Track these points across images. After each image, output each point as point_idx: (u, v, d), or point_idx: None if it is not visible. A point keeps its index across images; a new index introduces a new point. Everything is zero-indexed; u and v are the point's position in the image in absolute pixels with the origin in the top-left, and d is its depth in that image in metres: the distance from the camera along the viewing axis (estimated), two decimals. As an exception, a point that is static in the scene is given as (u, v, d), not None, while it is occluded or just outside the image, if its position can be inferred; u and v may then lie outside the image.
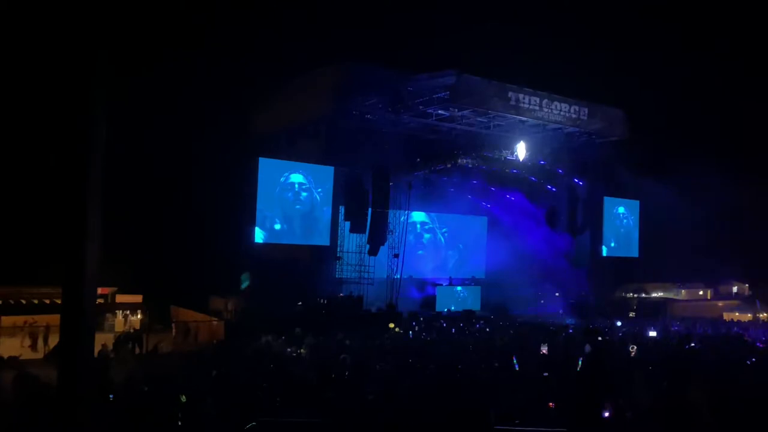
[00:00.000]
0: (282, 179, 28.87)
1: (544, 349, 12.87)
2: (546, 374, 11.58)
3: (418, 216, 36.63)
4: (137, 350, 21.46)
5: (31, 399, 8.50)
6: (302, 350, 17.86)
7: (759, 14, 36.17)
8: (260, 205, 28.09)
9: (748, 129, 40.44)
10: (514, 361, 12.51)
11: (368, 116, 29.09)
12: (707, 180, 34.18)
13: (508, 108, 28.16)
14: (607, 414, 6.89)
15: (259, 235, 28.08)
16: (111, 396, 8.71)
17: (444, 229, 38.49)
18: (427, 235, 37.58)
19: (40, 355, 20.91)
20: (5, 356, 16.55)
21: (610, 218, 39.61)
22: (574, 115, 30.08)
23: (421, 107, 28.43)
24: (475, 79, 27.15)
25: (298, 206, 29.24)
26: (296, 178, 29.24)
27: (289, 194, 29.05)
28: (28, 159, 23.84)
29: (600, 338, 19.51)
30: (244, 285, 28.07)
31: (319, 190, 29.73)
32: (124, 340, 21.46)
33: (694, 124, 39.48)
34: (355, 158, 28.66)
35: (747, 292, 44.51)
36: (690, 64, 38.91)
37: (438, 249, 38.24)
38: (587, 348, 14.85)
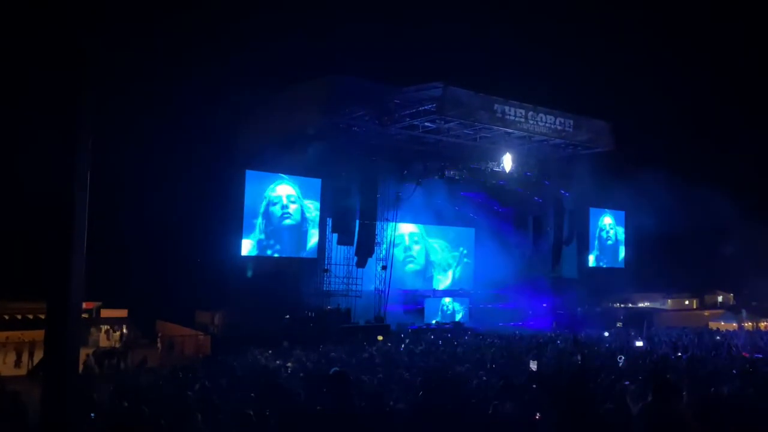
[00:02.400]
0: (269, 192, 28.80)
1: (533, 366, 12.74)
2: (534, 386, 11.56)
3: (406, 228, 36.65)
4: (122, 365, 21.24)
5: (12, 417, 8.35)
6: (290, 363, 17.73)
7: (743, 26, 36.77)
8: (247, 218, 27.98)
9: (734, 139, 40.98)
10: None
11: (355, 128, 29.14)
12: (692, 190, 34.51)
13: (494, 120, 28.32)
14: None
15: (246, 248, 27.94)
16: (93, 414, 8.57)
17: (431, 241, 38.50)
18: (414, 247, 37.57)
19: (23, 371, 20.62)
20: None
21: (596, 229, 39.91)
22: (559, 127, 30.31)
23: (408, 119, 28.54)
24: (462, 91, 27.30)
25: (285, 219, 29.16)
26: (283, 190, 29.18)
27: (276, 207, 28.97)
28: (12, 172, 23.61)
29: (586, 350, 19.49)
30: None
31: (307, 202, 29.68)
32: (105, 355, 21.25)
33: (679, 135, 39.97)
34: (342, 170, 28.66)
35: (732, 302, 44.92)
36: (675, 74, 39.45)
37: (425, 261, 38.22)
38: (578, 358, 14.85)
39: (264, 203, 28.53)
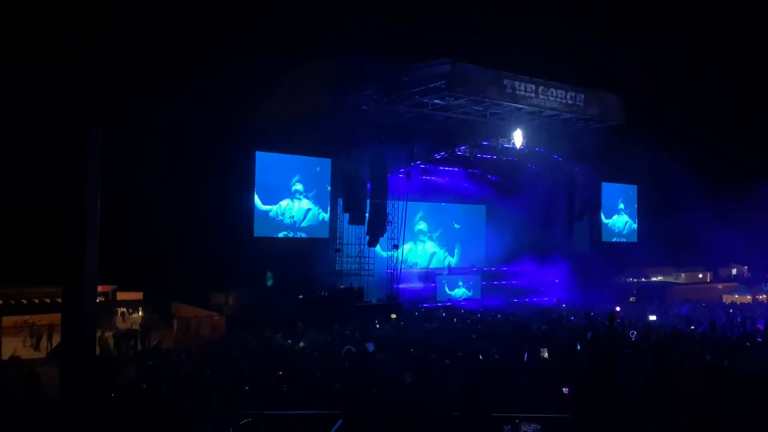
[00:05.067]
0: (279, 172, 28.86)
1: (545, 354, 12.68)
2: (555, 363, 11.65)
3: (417, 206, 36.62)
4: (139, 347, 21.55)
5: (35, 396, 8.53)
6: (303, 343, 17.93)
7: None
8: (258, 198, 28.12)
9: (747, 111, 40.38)
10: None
11: (364, 107, 29.02)
12: (704, 163, 34.18)
13: (504, 96, 28.08)
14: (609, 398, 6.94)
15: (258, 229, 28.09)
16: (113, 395, 8.72)
17: (442, 219, 38.47)
18: (426, 225, 37.58)
19: (43, 354, 20.97)
20: (7, 356, 16.60)
21: (609, 203, 39.70)
22: (570, 101, 30.02)
23: (416, 97, 28.36)
24: (471, 67, 27.06)
25: (296, 199, 29.26)
26: (294, 170, 29.24)
27: (287, 187, 29.06)
28: (27, 159, 23.79)
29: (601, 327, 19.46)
30: (270, 282, 28.09)
31: (317, 182, 29.72)
32: (124, 337, 21.55)
33: (692, 108, 39.40)
34: (352, 150, 28.63)
35: (746, 275, 44.64)
36: (687, 46, 38.77)
37: (437, 239, 38.25)
38: (588, 335, 14.87)
39: (274, 184, 28.59)
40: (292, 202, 29.17)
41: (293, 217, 29.20)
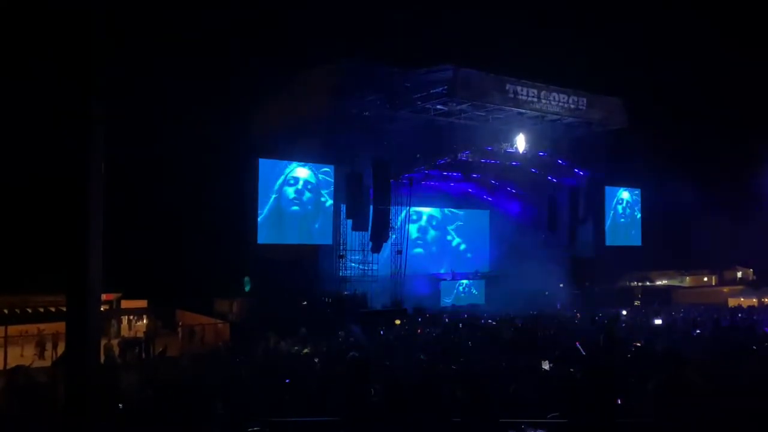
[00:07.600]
0: (282, 179, 28.90)
1: (546, 366, 12.54)
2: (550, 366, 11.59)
3: (420, 212, 36.64)
4: (143, 355, 21.55)
5: (37, 406, 8.53)
6: (308, 350, 17.89)
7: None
8: (262, 205, 28.16)
9: (751, 113, 40.32)
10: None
11: (366, 113, 29.07)
12: (709, 166, 34.11)
13: (506, 100, 28.11)
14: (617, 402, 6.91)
15: (261, 236, 28.10)
16: (120, 405, 8.73)
17: (446, 224, 38.49)
18: (429, 231, 37.59)
19: (48, 362, 20.97)
20: (12, 365, 16.58)
21: (612, 207, 39.67)
22: (572, 106, 30.03)
23: (419, 102, 28.40)
24: (473, 72, 27.10)
25: (299, 206, 29.27)
26: (296, 178, 29.28)
27: (290, 194, 29.09)
28: (30, 166, 23.87)
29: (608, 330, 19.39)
30: (247, 288, 28.03)
31: (320, 188, 29.75)
32: (128, 344, 21.56)
33: (695, 111, 39.38)
34: (354, 156, 28.66)
35: (751, 277, 44.52)
36: (690, 49, 38.78)
37: (440, 244, 38.24)
38: (600, 338, 14.79)
39: (278, 191, 28.62)
40: (295, 208, 29.18)
41: (297, 222, 29.17)
